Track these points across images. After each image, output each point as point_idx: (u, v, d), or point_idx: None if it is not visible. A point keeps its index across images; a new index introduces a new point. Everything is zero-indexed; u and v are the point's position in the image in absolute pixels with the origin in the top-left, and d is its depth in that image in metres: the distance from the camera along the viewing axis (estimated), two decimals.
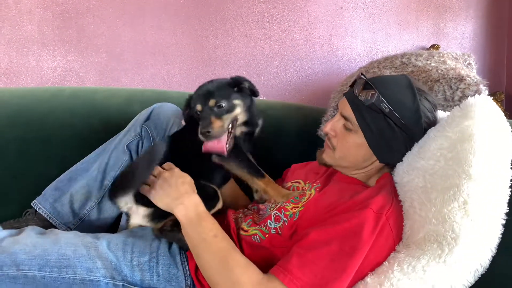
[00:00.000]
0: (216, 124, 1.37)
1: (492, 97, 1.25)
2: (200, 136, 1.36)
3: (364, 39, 2.91)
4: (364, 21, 2.90)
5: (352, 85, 1.39)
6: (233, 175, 1.53)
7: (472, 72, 1.74)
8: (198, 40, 2.58)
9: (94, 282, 1.21)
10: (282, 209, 1.33)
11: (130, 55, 2.49)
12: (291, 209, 1.32)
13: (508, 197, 1.20)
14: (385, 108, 1.24)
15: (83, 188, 1.56)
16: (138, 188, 1.37)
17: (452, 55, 1.94)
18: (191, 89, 1.52)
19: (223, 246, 1.21)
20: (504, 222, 1.18)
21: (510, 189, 1.20)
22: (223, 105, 1.39)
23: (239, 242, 1.33)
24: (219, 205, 1.40)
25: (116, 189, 1.38)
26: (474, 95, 1.22)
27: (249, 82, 1.48)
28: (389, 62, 1.94)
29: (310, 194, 1.36)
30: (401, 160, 1.27)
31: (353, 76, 2.00)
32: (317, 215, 1.24)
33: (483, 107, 1.18)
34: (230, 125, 1.42)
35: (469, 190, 1.11)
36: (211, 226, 1.26)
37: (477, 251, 1.16)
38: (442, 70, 1.69)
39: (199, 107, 1.41)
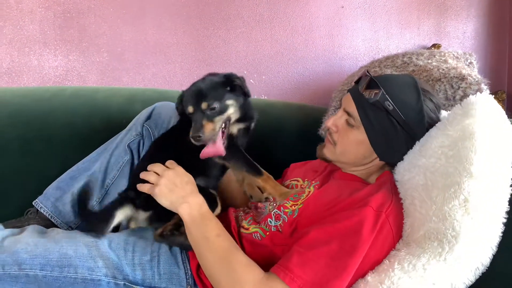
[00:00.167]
0: (208, 127, 1.32)
1: (493, 96, 1.25)
2: (192, 140, 1.33)
3: (365, 38, 2.91)
4: (365, 20, 2.90)
5: (357, 82, 1.39)
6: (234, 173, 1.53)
7: (473, 71, 1.74)
8: (199, 39, 2.59)
9: (96, 281, 1.21)
10: (281, 207, 1.33)
11: (131, 54, 2.49)
12: (291, 206, 1.32)
13: (509, 196, 1.20)
14: (389, 106, 1.24)
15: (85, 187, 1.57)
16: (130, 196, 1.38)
17: (454, 54, 1.93)
18: None
19: (226, 245, 1.21)
20: (505, 220, 1.18)
21: (511, 188, 1.20)
22: (216, 107, 1.34)
23: (240, 240, 1.34)
24: (218, 211, 1.39)
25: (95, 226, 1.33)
26: (476, 94, 1.22)
27: (241, 81, 1.43)
28: (391, 61, 1.94)
29: (309, 191, 1.36)
30: (402, 159, 1.27)
31: (354, 75, 2.00)
32: (317, 212, 1.24)
33: (484, 105, 1.18)
34: (223, 125, 1.38)
35: (470, 188, 1.11)
36: (214, 226, 1.26)
37: (478, 249, 1.16)
38: (443, 69, 1.69)
39: (190, 108, 1.35)
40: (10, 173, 1.74)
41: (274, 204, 1.39)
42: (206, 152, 1.36)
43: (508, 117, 1.25)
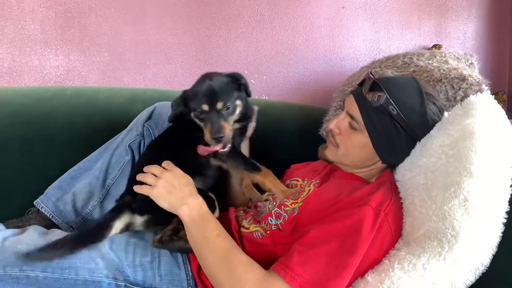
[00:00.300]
0: (226, 128, 1.33)
1: (494, 97, 1.25)
2: (210, 141, 1.32)
3: (366, 39, 2.91)
4: (366, 21, 2.90)
5: (360, 84, 1.39)
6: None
7: (474, 72, 1.73)
8: (200, 39, 2.59)
9: (97, 282, 1.21)
10: (282, 206, 1.33)
11: (132, 54, 2.49)
12: (291, 204, 1.32)
13: (509, 196, 1.20)
14: (393, 111, 1.24)
15: (86, 187, 1.57)
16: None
17: (454, 55, 1.93)
18: None
19: (226, 245, 1.21)
20: (504, 220, 1.18)
21: (511, 188, 1.20)
22: (230, 106, 1.34)
23: (240, 239, 1.34)
24: (216, 214, 1.38)
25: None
26: (476, 95, 1.22)
27: (245, 80, 1.43)
28: (391, 61, 1.94)
29: (309, 190, 1.37)
30: (403, 161, 1.28)
31: (354, 75, 2.00)
32: (317, 210, 1.24)
33: (484, 105, 1.18)
34: None
35: (469, 188, 1.11)
36: (214, 226, 1.26)
37: (478, 249, 1.16)
38: (444, 70, 1.69)
39: (205, 107, 1.33)
40: (11, 173, 1.74)
41: (274, 203, 1.40)
42: (203, 149, 1.36)
43: (508, 118, 1.25)
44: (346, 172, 1.42)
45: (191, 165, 1.41)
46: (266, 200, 1.48)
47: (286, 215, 1.29)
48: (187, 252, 1.30)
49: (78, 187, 1.57)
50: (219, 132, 1.30)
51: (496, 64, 3.18)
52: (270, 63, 2.73)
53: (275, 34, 2.72)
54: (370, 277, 1.15)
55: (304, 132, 2.00)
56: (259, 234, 1.31)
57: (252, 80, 2.70)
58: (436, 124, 1.24)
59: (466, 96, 1.56)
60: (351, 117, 1.34)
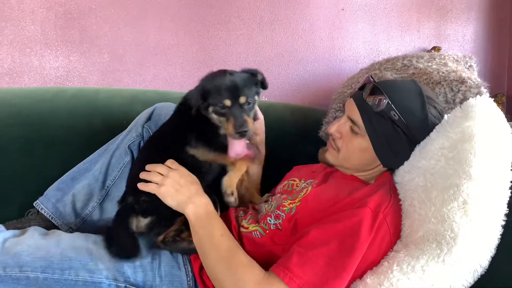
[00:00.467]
0: (250, 122, 1.32)
1: (493, 100, 1.25)
2: (234, 135, 1.31)
3: (366, 41, 2.91)
4: (366, 23, 2.90)
5: (361, 88, 1.39)
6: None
7: (473, 74, 1.74)
8: (200, 41, 2.59)
9: (97, 283, 1.22)
10: (280, 206, 1.34)
11: (132, 55, 2.49)
12: (288, 204, 1.33)
13: (508, 198, 1.20)
14: (395, 116, 1.24)
15: (85, 189, 1.57)
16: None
17: (453, 57, 1.93)
18: None
19: (229, 245, 1.22)
20: (503, 223, 1.19)
21: (510, 190, 1.20)
22: (251, 101, 1.34)
23: (240, 239, 1.35)
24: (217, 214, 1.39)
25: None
26: (475, 97, 1.23)
27: (262, 75, 1.43)
28: (391, 64, 1.94)
29: (307, 190, 1.37)
30: (403, 164, 1.28)
31: (354, 77, 2.00)
32: (316, 210, 1.25)
33: (483, 108, 1.19)
34: None
35: (469, 190, 1.12)
36: (219, 226, 1.27)
37: (476, 251, 1.16)
38: (443, 72, 1.69)
39: (228, 102, 1.31)
40: (10, 174, 1.74)
41: (272, 204, 1.41)
42: (240, 152, 1.36)
43: (508, 120, 1.25)
44: (345, 174, 1.42)
45: (189, 163, 1.41)
46: (266, 201, 1.49)
47: (283, 214, 1.30)
48: (190, 253, 1.31)
49: (78, 188, 1.57)
50: (242, 126, 1.29)
51: (495, 67, 3.18)
52: (270, 64, 2.74)
53: (274, 36, 2.72)
54: (369, 279, 1.15)
55: (303, 133, 2.00)
56: (258, 233, 1.31)
57: None
58: (436, 127, 1.24)
59: (465, 98, 1.56)
60: (352, 121, 1.34)
